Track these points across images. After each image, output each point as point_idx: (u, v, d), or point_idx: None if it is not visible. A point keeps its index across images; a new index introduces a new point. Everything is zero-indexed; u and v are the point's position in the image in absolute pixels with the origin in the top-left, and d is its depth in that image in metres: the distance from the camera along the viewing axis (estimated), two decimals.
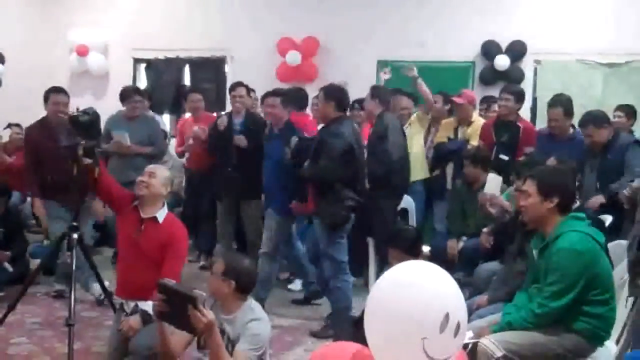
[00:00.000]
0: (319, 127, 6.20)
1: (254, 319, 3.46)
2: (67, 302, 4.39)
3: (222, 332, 3.41)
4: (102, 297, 5.33)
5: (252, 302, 3.56)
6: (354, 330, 3.68)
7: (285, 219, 6.00)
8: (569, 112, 5.96)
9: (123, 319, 4.12)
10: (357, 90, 6.86)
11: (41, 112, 5.90)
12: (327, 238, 5.37)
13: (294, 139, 5.81)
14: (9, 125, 8.60)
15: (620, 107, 7.42)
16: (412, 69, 6.88)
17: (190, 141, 7.28)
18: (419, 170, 6.99)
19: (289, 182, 5.84)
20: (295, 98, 6.74)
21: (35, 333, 5.31)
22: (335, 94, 5.45)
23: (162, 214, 4.25)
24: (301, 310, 5.96)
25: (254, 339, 3.38)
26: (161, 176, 4.28)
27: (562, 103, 6.01)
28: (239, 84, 6.90)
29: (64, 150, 4.90)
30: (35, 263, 6.47)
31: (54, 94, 6.07)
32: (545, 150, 5.80)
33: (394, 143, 5.93)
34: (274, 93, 6.37)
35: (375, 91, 6.18)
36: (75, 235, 4.55)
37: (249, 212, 6.79)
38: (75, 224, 4.61)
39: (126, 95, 6.95)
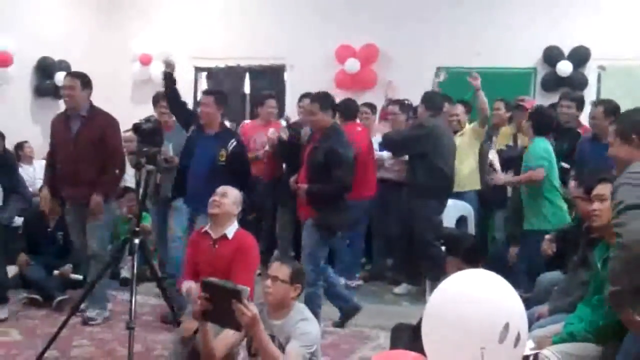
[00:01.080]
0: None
1: (303, 319, 3.53)
2: (128, 305, 4.46)
3: (272, 338, 3.43)
4: None
5: (299, 305, 3.61)
6: (412, 338, 3.65)
7: None
8: (609, 111, 5.67)
9: None
10: (416, 96, 6.86)
11: None
12: (319, 238, 5.40)
13: (232, 142, 5.66)
14: None
15: None
16: (476, 78, 6.81)
17: (267, 147, 7.25)
18: (471, 181, 6.99)
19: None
20: (345, 107, 6.78)
21: (97, 336, 5.41)
22: (329, 103, 5.56)
23: (231, 230, 4.37)
24: (357, 318, 5.93)
25: (304, 337, 3.43)
26: (232, 195, 4.44)
27: (604, 103, 5.85)
28: (306, 95, 6.94)
29: (132, 156, 5.05)
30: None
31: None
32: (588, 153, 5.75)
33: (436, 147, 6.24)
34: (208, 92, 6.24)
35: (425, 97, 6.50)
36: (136, 241, 4.63)
37: None
38: (137, 228, 4.69)
39: (154, 101, 6.79)
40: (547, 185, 5.85)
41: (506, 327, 1.80)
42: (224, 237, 4.35)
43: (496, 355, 1.80)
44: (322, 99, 5.57)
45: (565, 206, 5.83)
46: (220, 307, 3.18)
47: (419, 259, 6.57)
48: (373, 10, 9.45)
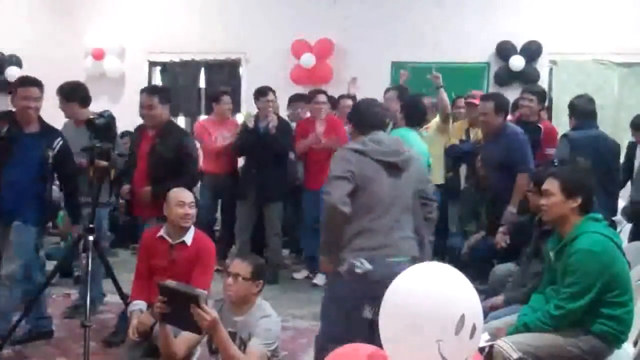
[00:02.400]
0: None
1: (264, 316, 3.53)
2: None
3: (234, 335, 3.43)
4: None
5: (261, 301, 3.61)
6: (370, 332, 3.68)
7: (39, 229, 5.04)
8: (500, 108, 5.75)
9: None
10: (372, 91, 6.86)
11: (56, 116, 5.88)
12: None
13: (59, 142, 4.95)
14: None
15: None
16: (438, 77, 6.85)
17: (227, 142, 7.22)
18: (434, 176, 7.04)
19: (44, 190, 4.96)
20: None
21: (53, 334, 5.32)
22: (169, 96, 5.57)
23: (190, 236, 4.31)
24: (316, 312, 5.94)
25: (266, 334, 3.44)
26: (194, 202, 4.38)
27: (494, 98, 5.92)
28: (269, 89, 6.98)
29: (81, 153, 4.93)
30: (51, 265, 6.50)
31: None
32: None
33: None
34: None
35: (402, 93, 6.47)
36: (91, 238, 4.57)
37: (270, 214, 6.95)
38: (91, 225, 4.63)
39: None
40: None
41: (462, 318, 1.82)
42: (182, 243, 4.30)
43: (452, 346, 1.82)
44: (162, 92, 5.48)
45: None
46: (179, 310, 3.18)
47: None
48: (328, 4, 9.47)
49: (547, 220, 3.88)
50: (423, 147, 5.65)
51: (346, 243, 3.65)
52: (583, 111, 5.90)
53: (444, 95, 6.87)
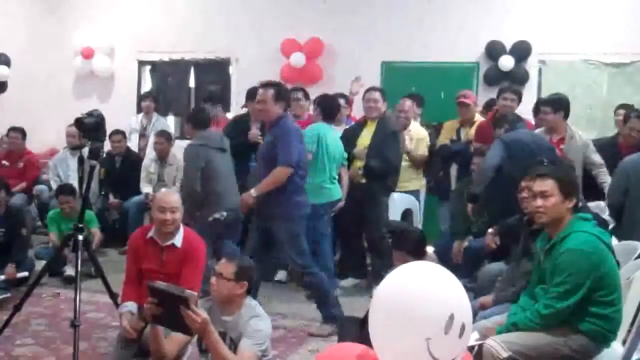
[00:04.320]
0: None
1: (254, 316, 3.52)
2: (72, 303, 4.39)
3: (224, 334, 3.43)
4: None
5: (251, 301, 3.60)
6: (359, 331, 3.68)
7: None
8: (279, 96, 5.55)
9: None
10: (362, 90, 6.92)
11: (45, 115, 5.88)
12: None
13: None
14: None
15: (622, 106, 7.40)
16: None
17: None
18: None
19: None
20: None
21: (41, 334, 5.31)
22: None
23: (179, 238, 4.28)
24: (305, 311, 5.95)
25: (256, 335, 3.43)
26: (180, 207, 4.30)
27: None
28: (251, 95, 6.84)
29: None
30: (40, 264, 6.48)
31: None
32: None
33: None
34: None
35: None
36: (80, 237, 4.55)
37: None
38: (80, 225, 4.61)
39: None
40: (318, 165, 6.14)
41: (451, 317, 1.82)
42: (172, 245, 4.27)
43: (442, 345, 1.83)
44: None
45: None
46: (169, 311, 3.18)
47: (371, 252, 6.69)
48: (318, 3, 9.47)
49: (544, 222, 3.77)
50: (338, 142, 6.28)
51: None
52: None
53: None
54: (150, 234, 4.30)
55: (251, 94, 6.71)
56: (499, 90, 7.11)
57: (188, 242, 4.30)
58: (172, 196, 4.35)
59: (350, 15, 9.34)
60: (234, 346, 3.43)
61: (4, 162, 8.53)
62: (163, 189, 4.38)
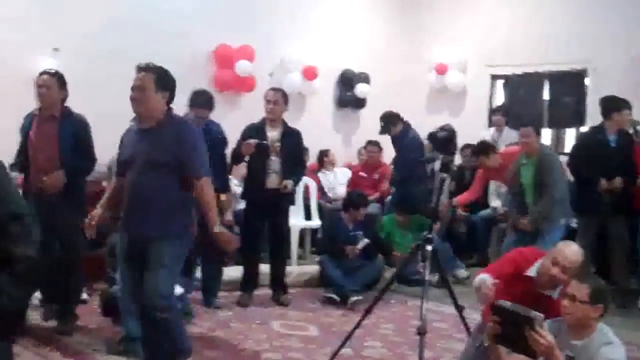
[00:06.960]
0: None
1: (607, 343, 3.29)
2: (419, 311, 4.49)
3: (571, 359, 3.25)
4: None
5: (602, 326, 3.37)
6: None
7: None
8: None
9: None
10: None
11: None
12: None
13: None
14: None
15: None
16: None
17: None
18: None
19: None
20: None
21: (388, 338, 5.54)
22: None
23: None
24: None
25: None
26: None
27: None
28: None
29: None
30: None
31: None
32: None
33: None
34: None
35: None
36: (429, 247, 4.64)
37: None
38: (430, 235, 4.70)
39: None
40: None
41: None
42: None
43: None
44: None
45: None
46: (512, 331, 3.13)
47: None
48: None
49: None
50: None
51: None
52: None
53: None
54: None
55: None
56: None
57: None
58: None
59: None
60: None
61: (361, 173, 9.15)
62: None
